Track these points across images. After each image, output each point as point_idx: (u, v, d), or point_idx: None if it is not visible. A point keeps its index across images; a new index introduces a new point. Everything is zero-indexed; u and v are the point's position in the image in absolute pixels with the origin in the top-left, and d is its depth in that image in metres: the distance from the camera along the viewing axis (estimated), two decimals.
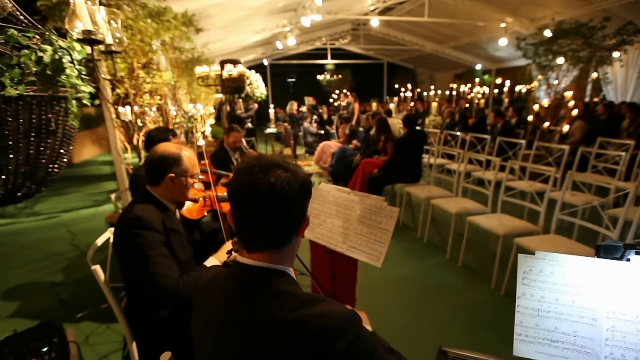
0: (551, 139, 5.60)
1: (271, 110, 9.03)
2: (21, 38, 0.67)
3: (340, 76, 15.19)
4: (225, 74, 4.60)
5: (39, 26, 0.78)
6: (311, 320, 0.64)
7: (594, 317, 0.80)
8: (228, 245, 1.49)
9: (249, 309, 0.69)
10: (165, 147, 1.37)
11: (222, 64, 4.75)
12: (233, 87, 4.77)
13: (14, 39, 0.66)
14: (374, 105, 10.53)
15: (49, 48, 0.71)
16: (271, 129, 8.57)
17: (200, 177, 1.51)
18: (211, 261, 1.40)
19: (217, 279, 0.80)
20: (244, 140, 3.55)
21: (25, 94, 0.69)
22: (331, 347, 0.63)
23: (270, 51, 12.60)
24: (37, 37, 0.76)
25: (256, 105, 8.65)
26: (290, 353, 0.64)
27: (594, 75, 6.71)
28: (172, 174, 1.34)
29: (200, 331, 0.79)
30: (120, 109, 3.09)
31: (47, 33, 0.76)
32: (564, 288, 0.84)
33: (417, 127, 4.19)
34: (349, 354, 0.64)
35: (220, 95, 6.99)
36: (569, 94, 5.64)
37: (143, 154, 3.42)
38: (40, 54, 0.68)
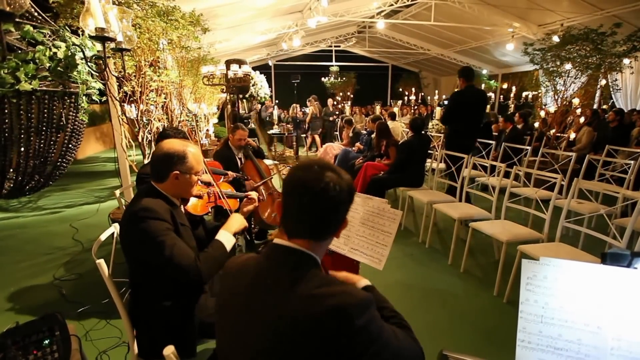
0: (557, 145, 5.56)
1: (275, 112, 9.05)
2: (36, 34, 0.68)
3: (344, 79, 15.18)
4: (230, 74, 4.61)
5: (53, 23, 0.78)
6: (333, 296, 0.70)
7: (599, 325, 0.79)
8: (236, 217, 1.50)
9: (274, 282, 0.75)
10: (171, 144, 1.35)
11: (228, 63, 4.77)
12: (238, 87, 4.78)
13: (30, 35, 0.67)
14: (377, 108, 10.50)
15: (62, 45, 0.72)
16: (274, 130, 8.59)
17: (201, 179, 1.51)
18: (222, 234, 1.40)
19: (249, 261, 0.85)
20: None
21: (38, 88, 0.70)
22: (350, 322, 0.68)
23: (275, 52, 12.66)
24: (51, 33, 0.76)
25: (258, 106, 8.66)
26: (311, 325, 0.69)
27: (603, 82, 6.66)
28: (177, 172, 1.33)
29: (225, 306, 0.84)
30: (126, 106, 3.11)
31: (60, 30, 0.77)
32: (569, 295, 0.84)
33: (422, 132, 4.18)
34: (363, 331, 0.69)
35: (224, 95, 7.01)
36: (576, 100, 5.60)
37: (147, 151, 3.44)
38: (54, 50, 0.69)
